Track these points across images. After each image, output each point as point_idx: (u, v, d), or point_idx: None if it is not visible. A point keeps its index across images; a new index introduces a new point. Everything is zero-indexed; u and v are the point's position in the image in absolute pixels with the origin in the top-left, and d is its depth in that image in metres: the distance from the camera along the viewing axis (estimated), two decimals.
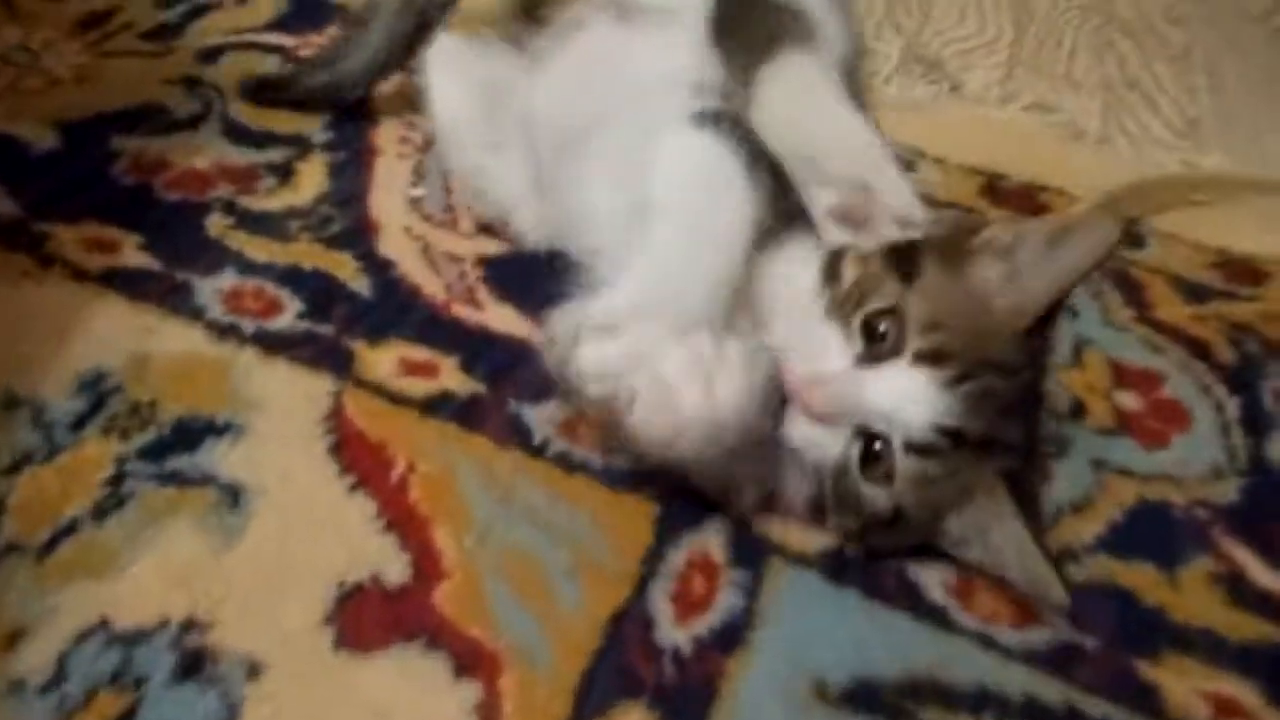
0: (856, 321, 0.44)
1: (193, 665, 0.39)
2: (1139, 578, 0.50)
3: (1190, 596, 0.50)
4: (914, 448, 0.43)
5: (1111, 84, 0.99)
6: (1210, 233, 0.75)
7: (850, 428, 0.44)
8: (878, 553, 0.47)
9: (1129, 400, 0.61)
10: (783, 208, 0.48)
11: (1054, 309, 0.46)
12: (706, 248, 0.45)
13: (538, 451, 0.50)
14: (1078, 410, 0.60)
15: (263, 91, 0.69)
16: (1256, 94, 1.00)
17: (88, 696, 0.38)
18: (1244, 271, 0.73)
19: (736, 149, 0.47)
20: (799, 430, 0.44)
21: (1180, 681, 0.46)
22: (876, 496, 0.44)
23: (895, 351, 0.43)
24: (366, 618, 0.42)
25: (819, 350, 0.44)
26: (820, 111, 0.48)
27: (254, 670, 0.40)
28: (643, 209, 0.47)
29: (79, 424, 0.48)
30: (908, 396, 0.42)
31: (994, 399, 0.43)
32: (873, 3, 1.04)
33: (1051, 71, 1.00)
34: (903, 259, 0.46)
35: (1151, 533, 0.53)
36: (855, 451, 0.44)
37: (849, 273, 0.46)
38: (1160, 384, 0.63)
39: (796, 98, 0.48)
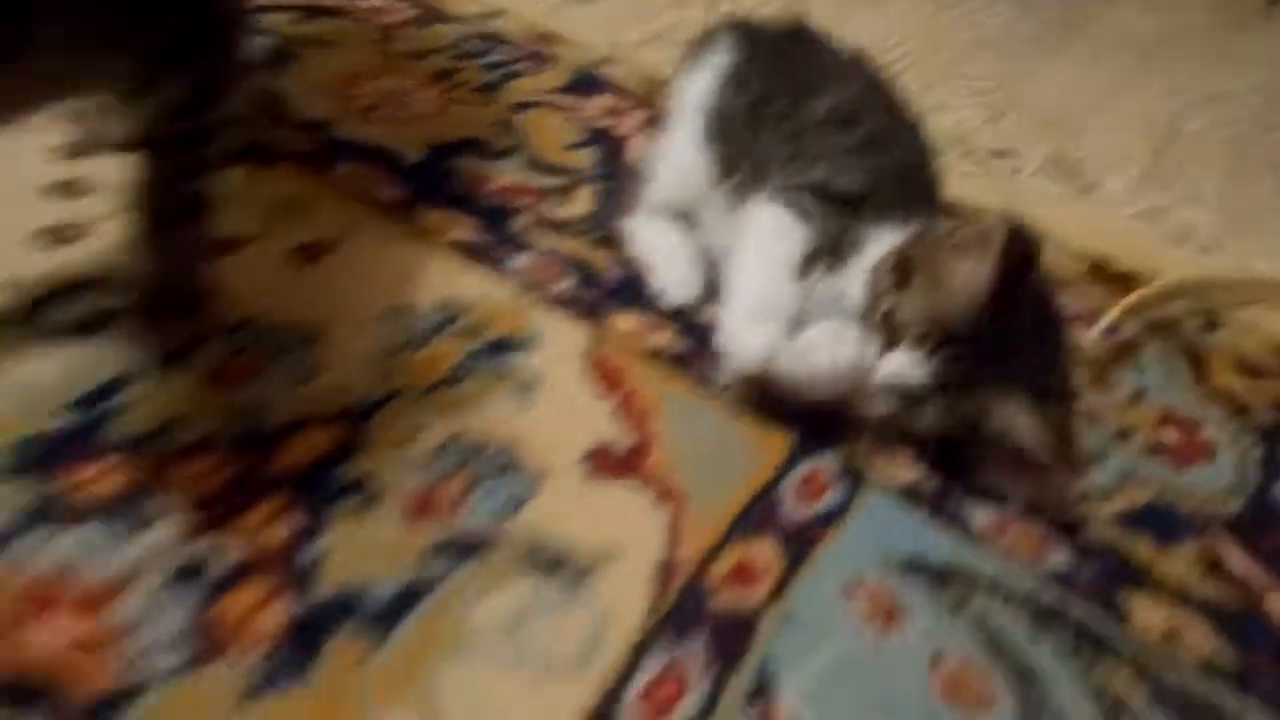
0: (875, 323, 0.70)
1: (507, 465, 0.67)
2: (1137, 545, 0.71)
3: (1174, 564, 0.70)
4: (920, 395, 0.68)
5: (1235, 204, 1.17)
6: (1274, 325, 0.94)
7: None
8: (940, 464, 0.71)
9: (1169, 435, 0.81)
10: (842, 243, 0.74)
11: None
12: (775, 268, 0.72)
13: (717, 393, 0.77)
14: (1123, 434, 0.81)
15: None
16: None
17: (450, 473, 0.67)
18: None
19: (794, 209, 0.75)
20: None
21: (1148, 609, 0.66)
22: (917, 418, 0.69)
23: (894, 343, 0.69)
24: (603, 465, 0.70)
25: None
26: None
27: (541, 477, 0.67)
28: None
29: (438, 330, 0.78)
30: (904, 370, 0.67)
31: (963, 356, 0.66)
32: (1025, 120, 1.27)
33: (1179, 186, 1.19)
34: (898, 269, 0.70)
35: (1157, 520, 0.73)
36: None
37: (868, 286, 0.71)
38: (1199, 429, 0.82)
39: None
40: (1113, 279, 0.98)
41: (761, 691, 0.57)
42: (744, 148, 0.85)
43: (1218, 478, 0.78)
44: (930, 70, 1.37)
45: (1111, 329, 0.90)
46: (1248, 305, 0.97)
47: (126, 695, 0.52)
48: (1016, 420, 0.67)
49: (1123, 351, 0.89)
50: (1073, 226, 1.05)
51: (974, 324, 0.67)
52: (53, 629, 0.54)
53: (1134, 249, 1.03)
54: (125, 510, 0.60)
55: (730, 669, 0.58)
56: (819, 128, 0.81)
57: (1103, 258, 1.01)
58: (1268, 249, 1.10)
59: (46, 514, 0.59)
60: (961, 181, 1.05)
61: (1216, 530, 0.73)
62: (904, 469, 0.73)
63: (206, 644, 0.54)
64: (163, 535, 0.60)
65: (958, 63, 1.42)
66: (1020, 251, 0.66)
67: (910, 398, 0.69)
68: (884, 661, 0.60)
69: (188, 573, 0.58)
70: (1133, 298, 0.90)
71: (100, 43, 0.56)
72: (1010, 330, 0.68)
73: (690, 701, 0.56)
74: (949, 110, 1.27)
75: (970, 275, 0.67)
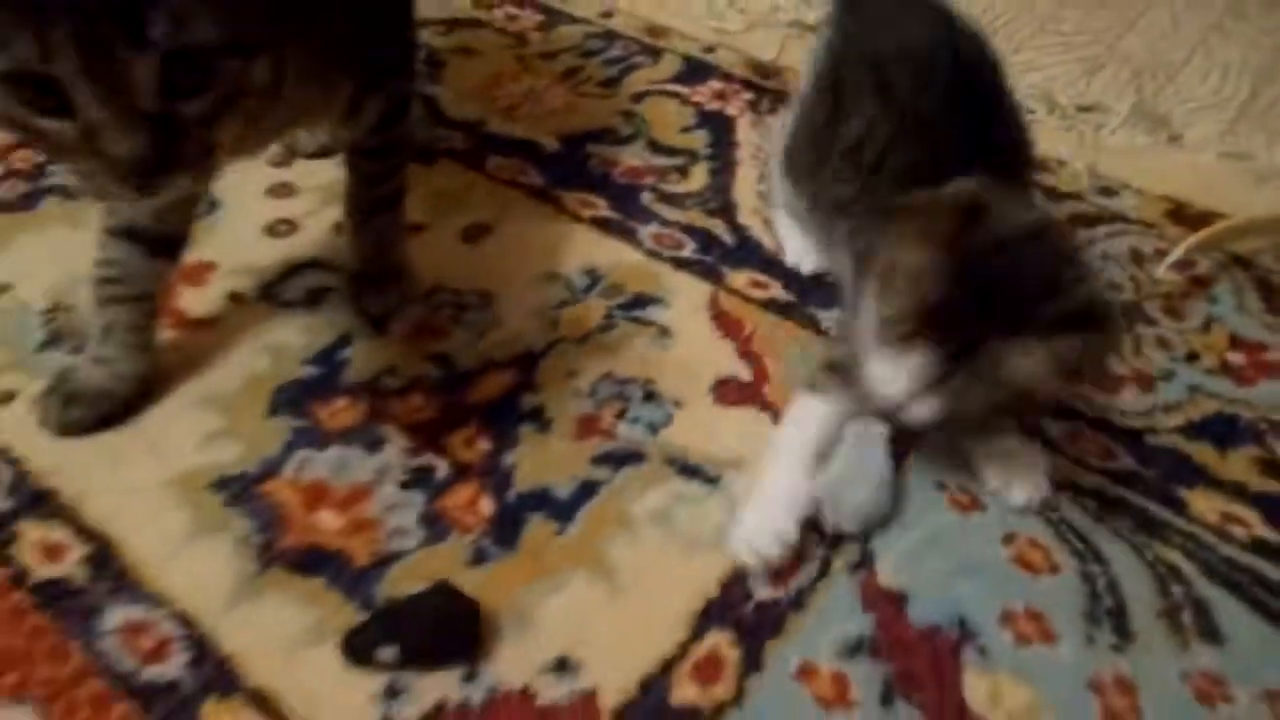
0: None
1: (650, 395, 0.84)
2: (1197, 449, 0.82)
3: (1231, 466, 0.81)
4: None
5: None
6: None
7: None
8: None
9: (1235, 357, 0.91)
10: None
11: None
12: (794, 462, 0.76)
13: (824, 334, 0.91)
14: (1192, 357, 0.91)
15: None
16: None
17: (605, 402, 0.83)
18: None
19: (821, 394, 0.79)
20: None
21: (1204, 501, 0.78)
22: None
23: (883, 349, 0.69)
24: (728, 394, 0.85)
25: None
26: None
27: (678, 404, 0.83)
28: None
29: (586, 290, 0.95)
30: (890, 374, 0.68)
31: (952, 338, 0.65)
32: (1119, 72, 1.34)
33: (1267, 130, 1.25)
34: (879, 277, 0.71)
35: (1217, 428, 0.84)
36: None
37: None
38: (1265, 351, 0.92)
39: None
40: (1193, 220, 1.06)
41: (863, 563, 0.72)
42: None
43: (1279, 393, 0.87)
44: (1022, 29, 1.45)
45: (1184, 264, 0.99)
46: None
47: (383, 563, 0.71)
48: (1035, 368, 0.65)
49: (1196, 285, 0.98)
50: (1156, 172, 1.13)
51: (945, 306, 0.64)
52: (328, 518, 0.73)
53: (1217, 191, 1.10)
54: (361, 436, 0.80)
55: (836, 547, 0.73)
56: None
57: (1185, 201, 1.09)
58: None
59: (306, 440, 0.79)
60: (1049, 137, 1.15)
61: (1275, 435, 0.83)
62: None
63: (436, 529, 0.73)
64: (391, 454, 0.79)
65: (1049, 19, 1.49)
66: (959, 221, 0.64)
67: (931, 391, 0.66)
68: (964, 538, 0.73)
69: (415, 480, 0.76)
70: (1203, 233, 0.98)
71: (332, 79, 0.75)
72: (993, 288, 0.65)
73: (806, 572, 0.71)
74: (1038, 69, 1.35)
75: (917, 262, 0.65)
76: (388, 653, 0.62)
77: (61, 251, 0.97)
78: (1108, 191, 1.11)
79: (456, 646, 0.63)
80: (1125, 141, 1.21)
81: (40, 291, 0.92)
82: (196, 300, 0.92)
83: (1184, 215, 1.08)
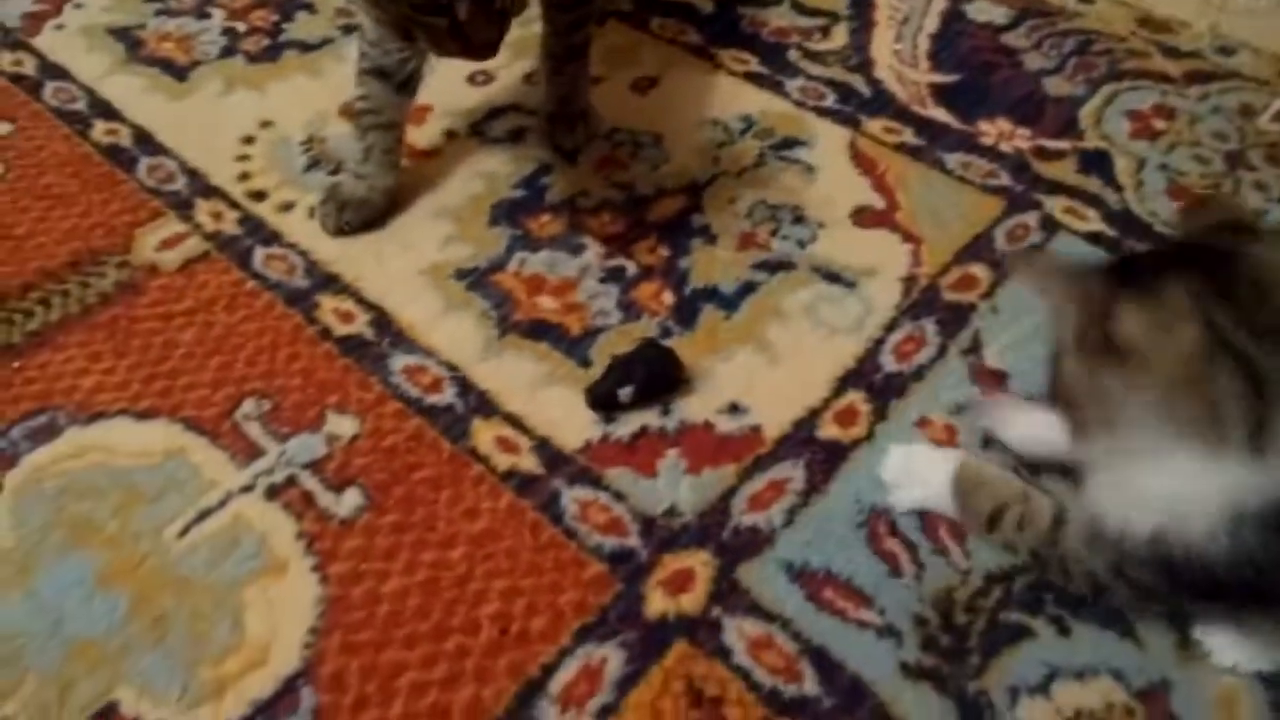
0: None
1: (799, 218, 1.03)
2: None
3: None
4: None
5: None
6: None
7: None
8: None
9: None
10: None
11: None
12: None
13: (948, 173, 1.08)
14: None
15: None
16: None
17: (760, 222, 1.03)
18: None
19: None
20: None
21: None
22: None
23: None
24: (865, 219, 1.03)
25: None
26: None
27: (822, 225, 1.03)
28: None
29: (742, 133, 1.14)
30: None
31: None
32: None
33: None
34: None
35: None
36: None
37: None
38: None
39: None
40: None
41: (974, 349, 0.91)
42: None
43: None
44: None
45: None
46: None
47: (592, 333, 0.93)
48: None
49: None
50: (1274, 33, 1.24)
51: None
52: (546, 301, 0.96)
53: None
54: (565, 243, 1.02)
55: (951, 336, 0.92)
56: None
57: None
58: None
59: (522, 244, 1.02)
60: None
61: None
62: (1089, 219, 1.02)
63: (630, 312, 0.95)
64: (590, 257, 1.01)
65: None
66: None
67: None
68: None
69: (610, 276, 0.98)
70: None
71: None
72: None
73: (925, 353, 0.91)
74: None
75: None
76: (626, 392, 0.85)
77: (306, 94, 1.20)
78: (1226, 50, 1.22)
79: (670, 384, 0.86)
80: (1248, 3, 1.31)
81: (296, 126, 1.16)
82: (420, 136, 1.14)
83: None
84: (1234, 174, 1.06)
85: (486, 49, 0.81)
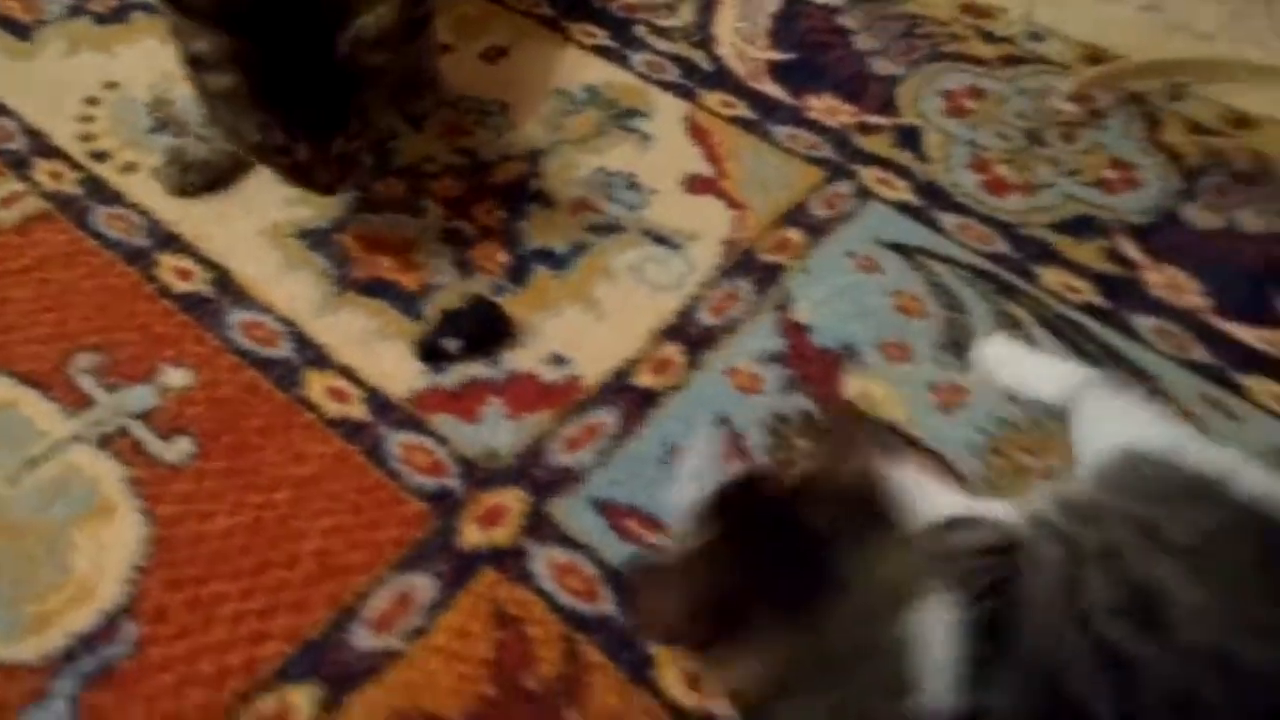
0: None
1: (632, 184, 1.11)
2: (1058, 240, 1.08)
3: (1082, 252, 1.07)
4: None
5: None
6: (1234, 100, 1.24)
7: None
8: None
9: (1109, 173, 1.16)
10: None
11: None
12: None
13: (776, 145, 1.17)
14: (1073, 172, 1.16)
15: None
16: None
17: (597, 189, 1.10)
18: (1240, 121, 1.22)
19: None
20: None
21: (1053, 276, 1.05)
22: None
23: None
24: (694, 186, 1.11)
25: None
26: None
27: (653, 191, 1.10)
28: None
29: (585, 103, 1.20)
30: None
31: None
32: None
33: None
34: None
35: (1080, 225, 1.10)
36: None
37: None
38: (1136, 169, 1.17)
39: None
40: (1106, 62, 1.30)
41: (784, 305, 1.00)
42: None
43: (1138, 201, 1.13)
44: None
45: (1087, 99, 1.23)
46: (1218, 83, 1.27)
47: (428, 291, 0.99)
48: None
49: (1094, 116, 1.23)
50: (1083, 22, 1.36)
51: None
52: (385, 260, 1.02)
53: (1131, 39, 1.33)
54: (407, 205, 1.07)
55: (765, 293, 1.01)
56: None
57: (1103, 48, 1.32)
58: (1258, 39, 1.38)
59: (364, 204, 1.07)
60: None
61: (1122, 231, 1.10)
62: (898, 189, 1.12)
63: (466, 270, 1.01)
64: (431, 219, 1.06)
65: None
66: None
67: None
68: (861, 292, 1.01)
69: (449, 237, 1.04)
70: (1101, 68, 1.22)
71: None
72: None
73: (737, 308, 1.00)
74: None
75: None
76: (453, 343, 0.91)
77: (154, 57, 1.22)
78: (1037, 36, 1.34)
79: (498, 337, 0.93)
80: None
81: (142, 88, 1.19)
82: None
83: (1098, 60, 1.31)
84: (1030, 149, 1.18)
85: (327, 189, 0.93)
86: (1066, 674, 0.57)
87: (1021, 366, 0.94)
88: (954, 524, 0.64)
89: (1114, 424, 0.80)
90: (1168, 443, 0.72)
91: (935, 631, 0.57)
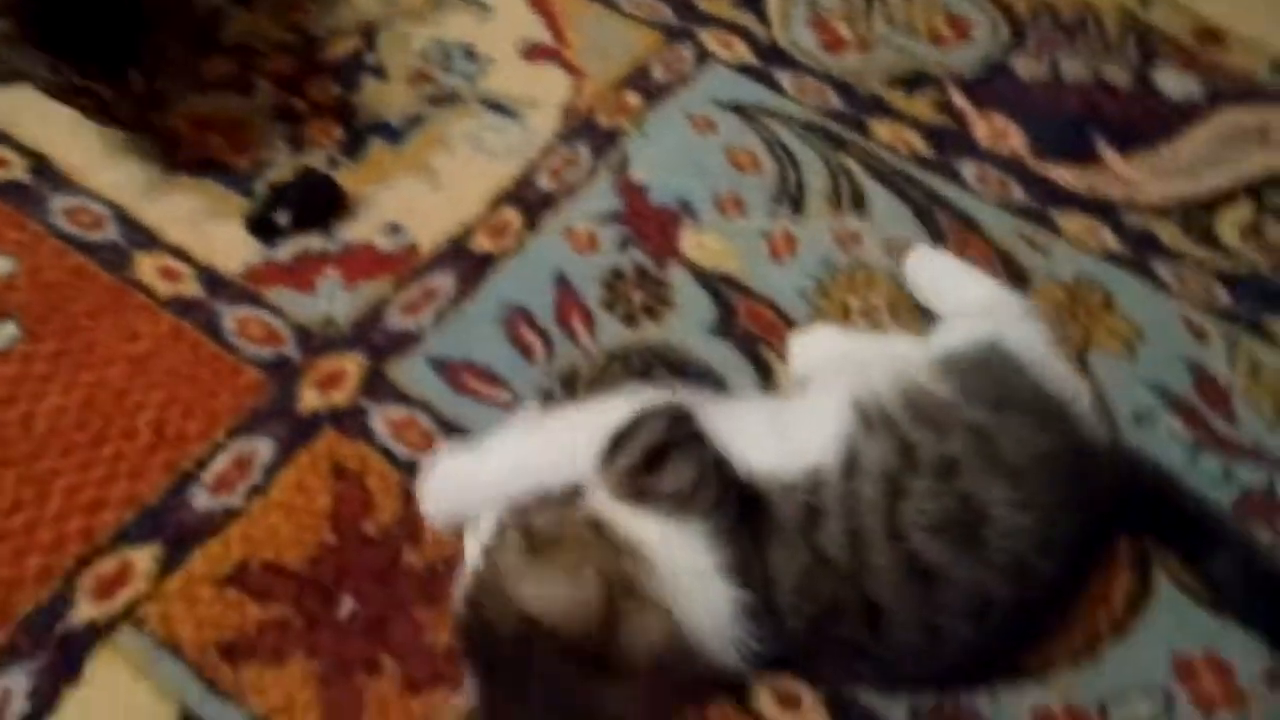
0: None
1: (471, 53, 1.10)
2: (889, 93, 1.12)
3: (915, 105, 1.11)
4: None
5: None
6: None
7: None
8: None
9: (945, 30, 1.20)
10: None
11: None
12: None
13: (618, 10, 1.17)
14: (910, 29, 1.20)
15: None
16: None
17: (434, 59, 1.10)
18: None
19: None
20: None
21: (885, 129, 1.09)
22: None
23: None
24: (534, 54, 1.11)
25: None
26: None
27: (492, 61, 1.10)
28: None
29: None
30: None
31: None
32: None
33: None
34: None
35: (913, 79, 1.14)
36: None
37: None
38: (970, 25, 1.21)
39: None
40: None
41: (622, 167, 1.02)
42: None
43: (970, 54, 1.17)
44: None
45: None
46: None
47: (260, 168, 0.98)
48: None
49: None
50: None
51: None
52: (216, 140, 1.00)
53: None
54: (237, 84, 1.05)
55: (603, 156, 1.03)
56: None
57: None
58: None
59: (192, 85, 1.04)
60: None
61: (952, 82, 1.14)
62: (738, 50, 1.14)
63: (299, 147, 1.00)
64: (263, 96, 1.05)
65: None
66: None
67: None
68: (698, 151, 1.04)
69: (281, 115, 1.03)
70: None
71: None
72: None
73: (575, 172, 1.01)
74: None
75: None
76: (283, 216, 0.91)
77: None
78: None
79: (330, 209, 0.93)
80: None
81: None
82: None
83: None
84: (869, 6, 1.21)
85: (135, 125, 0.94)
86: (871, 580, 0.64)
87: (945, 282, 0.93)
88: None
89: (993, 319, 0.82)
90: (1031, 353, 0.76)
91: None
